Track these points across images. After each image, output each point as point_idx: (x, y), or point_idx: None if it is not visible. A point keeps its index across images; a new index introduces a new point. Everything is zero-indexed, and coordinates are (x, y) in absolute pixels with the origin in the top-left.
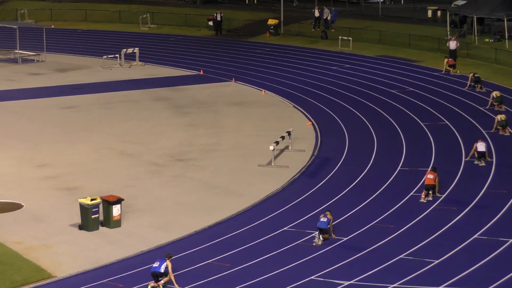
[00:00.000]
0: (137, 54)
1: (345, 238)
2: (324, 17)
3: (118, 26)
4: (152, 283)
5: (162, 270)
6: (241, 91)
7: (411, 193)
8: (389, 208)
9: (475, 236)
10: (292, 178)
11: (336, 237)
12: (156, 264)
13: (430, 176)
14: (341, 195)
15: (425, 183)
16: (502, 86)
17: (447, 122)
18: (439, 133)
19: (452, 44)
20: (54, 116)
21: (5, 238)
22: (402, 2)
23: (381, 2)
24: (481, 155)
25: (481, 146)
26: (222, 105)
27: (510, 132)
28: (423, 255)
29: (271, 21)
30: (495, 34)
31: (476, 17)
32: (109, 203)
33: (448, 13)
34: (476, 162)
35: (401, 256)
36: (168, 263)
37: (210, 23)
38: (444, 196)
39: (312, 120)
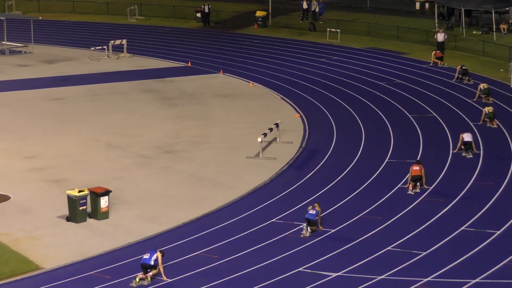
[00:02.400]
0: (125, 46)
1: (333, 230)
2: (312, 9)
3: (106, 18)
4: (140, 275)
5: (152, 263)
6: (229, 83)
7: (399, 185)
8: (377, 200)
9: (462, 228)
10: (280, 170)
11: (324, 229)
12: (146, 256)
13: (416, 167)
14: (329, 187)
15: (412, 174)
16: (489, 78)
17: (435, 114)
18: (427, 125)
19: (440, 36)
20: (41, 108)
21: None
22: None
23: None
24: (468, 145)
25: (467, 137)
26: (210, 97)
27: (497, 124)
28: (411, 247)
29: (259, 13)
30: (483, 26)
31: (464, 10)
32: (96, 194)
33: (436, 5)
34: (463, 154)
35: (388, 248)
36: (158, 254)
37: (198, 14)
38: (431, 188)
39: (300, 112)
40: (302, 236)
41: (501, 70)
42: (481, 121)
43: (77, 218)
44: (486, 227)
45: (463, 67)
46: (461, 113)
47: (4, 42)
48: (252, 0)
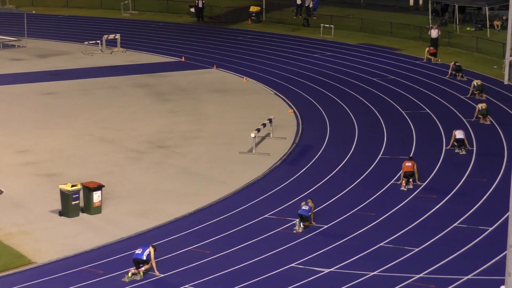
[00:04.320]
0: (119, 40)
1: (326, 226)
2: (306, 5)
3: (99, 12)
4: (132, 270)
5: (144, 258)
6: (222, 78)
7: (392, 181)
8: (369, 196)
9: (455, 224)
10: (273, 166)
11: (316, 225)
12: (138, 251)
13: (408, 163)
14: (322, 183)
15: (404, 170)
16: (483, 74)
17: (428, 111)
18: (420, 121)
19: (434, 33)
20: (34, 102)
21: None
22: None
23: None
24: (461, 142)
25: (459, 134)
26: (203, 92)
27: (491, 120)
28: (403, 243)
29: (253, 8)
30: (476, 22)
31: (458, 6)
32: (89, 189)
33: (429, 2)
34: (456, 151)
35: (381, 244)
36: (150, 249)
37: (192, 9)
38: (424, 184)
39: (294, 107)
40: (295, 232)
41: (495, 66)
42: (474, 118)
43: (70, 212)
44: (479, 223)
45: (457, 64)
46: (454, 110)
47: None
48: None
